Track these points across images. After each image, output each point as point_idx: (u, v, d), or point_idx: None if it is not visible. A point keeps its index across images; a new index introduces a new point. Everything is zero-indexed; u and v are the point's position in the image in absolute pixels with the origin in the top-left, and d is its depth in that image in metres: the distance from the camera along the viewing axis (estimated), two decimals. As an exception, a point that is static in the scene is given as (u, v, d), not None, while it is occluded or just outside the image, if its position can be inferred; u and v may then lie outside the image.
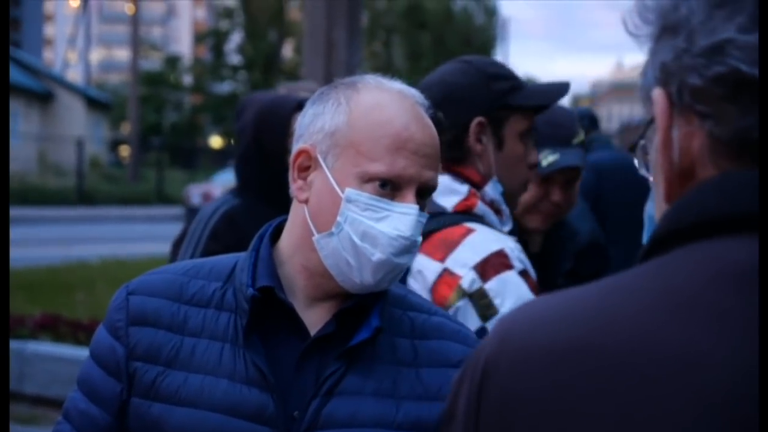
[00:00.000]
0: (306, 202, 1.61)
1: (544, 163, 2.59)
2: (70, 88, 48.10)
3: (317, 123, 1.61)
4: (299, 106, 3.08)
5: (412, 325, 1.65)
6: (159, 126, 51.62)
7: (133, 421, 1.59)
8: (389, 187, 1.57)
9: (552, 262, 2.62)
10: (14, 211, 27.75)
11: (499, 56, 53.63)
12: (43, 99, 45.91)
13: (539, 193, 2.62)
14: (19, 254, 14.17)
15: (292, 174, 1.62)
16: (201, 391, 1.55)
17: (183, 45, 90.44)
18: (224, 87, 50.85)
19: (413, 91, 1.66)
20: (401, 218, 1.56)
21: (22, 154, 41.18)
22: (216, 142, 55.23)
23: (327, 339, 1.60)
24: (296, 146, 1.63)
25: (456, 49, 46.26)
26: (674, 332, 0.75)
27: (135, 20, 38.56)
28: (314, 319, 1.62)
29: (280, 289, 1.61)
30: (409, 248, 1.58)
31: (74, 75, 77.02)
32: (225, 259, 1.67)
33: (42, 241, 17.45)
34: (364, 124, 1.58)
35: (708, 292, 0.76)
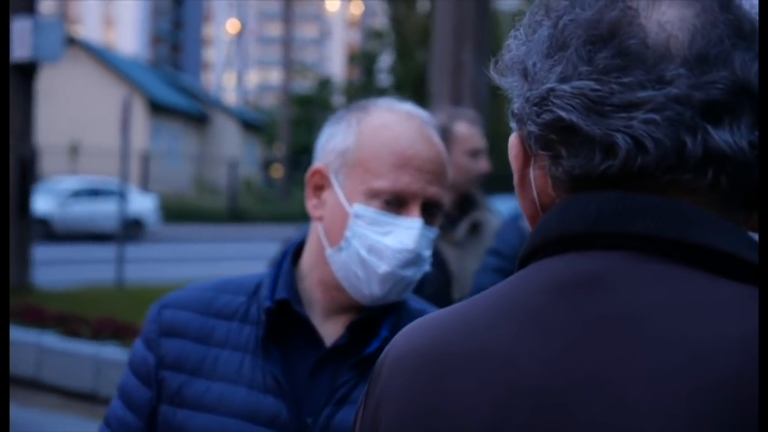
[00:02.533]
0: (321, 219, 1.70)
1: None
2: (225, 110, 49.58)
3: (330, 144, 1.70)
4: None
5: None
6: (310, 146, 52.58)
7: (161, 427, 1.68)
8: (395, 203, 1.64)
9: None
10: (170, 229, 28.73)
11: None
12: (199, 121, 47.44)
13: None
14: (171, 272, 14.63)
15: (308, 192, 1.72)
16: (221, 399, 1.63)
17: (336, 66, 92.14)
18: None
19: (421, 112, 1.73)
20: (406, 232, 1.63)
21: (179, 175, 42.66)
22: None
23: (341, 350, 1.67)
24: (312, 166, 1.72)
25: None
26: (500, 334, 0.87)
27: (287, 43, 39.44)
28: (331, 331, 1.69)
29: (298, 302, 1.69)
30: (414, 261, 1.65)
31: (231, 97, 79.37)
32: (252, 276, 1.76)
33: (193, 259, 18.00)
34: (371, 143, 1.66)
35: (531, 301, 0.87)
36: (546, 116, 0.89)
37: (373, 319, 1.69)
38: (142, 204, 27.11)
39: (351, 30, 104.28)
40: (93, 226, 25.05)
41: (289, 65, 39.18)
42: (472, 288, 3.24)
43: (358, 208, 1.65)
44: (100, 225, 23.91)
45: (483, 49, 7.92)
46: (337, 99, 53.94)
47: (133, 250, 18.54)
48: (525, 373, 0.84)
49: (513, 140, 0.96)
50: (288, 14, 44.99)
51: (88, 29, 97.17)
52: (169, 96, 45.94)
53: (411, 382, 0.91)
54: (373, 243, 1.64)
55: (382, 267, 1.64)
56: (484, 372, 0.86)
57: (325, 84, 54.32)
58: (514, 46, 0.95)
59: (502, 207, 5.46)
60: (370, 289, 1.66)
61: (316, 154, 1.74)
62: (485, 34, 8.05)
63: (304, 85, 58.08)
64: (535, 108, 0.90)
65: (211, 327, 1.69)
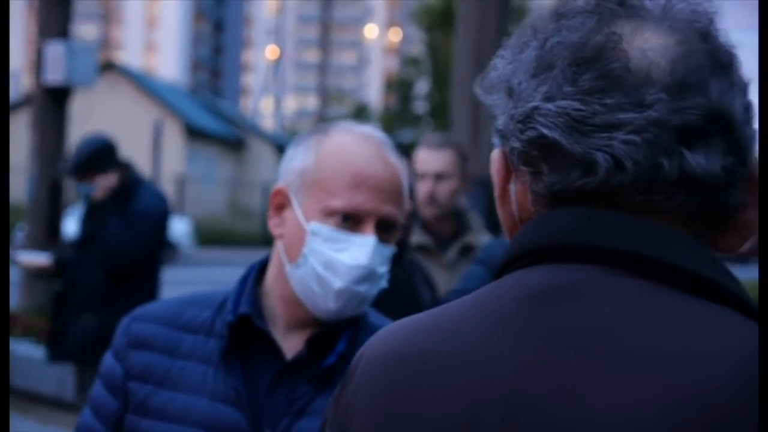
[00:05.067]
0: (281, 237, 1.75)
1: None
2: (262, 135, 49.86)
3: (291, 165, 1.77)
4: None
5: None
6: (346, 172, 52.57)
7: None
8: (350, 221, 1.70)
9: None
10: (204, 253, 28.84)
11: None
12: (236, 146, 47.73)
13: None
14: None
15: (270, 212, 1.78)
16: (184, 409, 1.69)
17: (373, 93, 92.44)
18: (409, 135, 51.55)
19: (379, 134, 1.80)
20: (360, 249, 1.69)
21: (215, 198, 42.90)
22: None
23: (300, 363, 1.72)
24: (274, 186, 1.78)
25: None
26: (474, 339, 0.90)
27: (323, 69, 39.68)
28: (292, 345, 1.74)
29: (260, 317, 1.74)
30: (367, 277, 1.70)
31: (269, 122, 79.74)
32: (221, 291, 1.82)
33: (226, 282, 17.98)
34: (328, 163, 1.72)
35: (505, 308, 0.91)
36: (530, 133, 0.93)
37: (332, 333, 1.74)
38: (177, 227, 27.24)
39: (389, 57, 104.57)
40: (127, 248, 25.23)
41: (325, 91, 39.37)
42: (454, 291, 3.26)
43: (314, 225, 1.70)
44: (134, 248, 24.07)
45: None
46: (374, 126, 53.96)
47: (167, 273, 18.66)
48: (498, 377, 0.88)
49: (495, 155, 1.00)
50: (325, 41, 45.21)
51: (130, 55, 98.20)
52: (206, 121, 46.30)
53: (384, 382, 0.94)
54: (328, 259, 1.69)
55: (337, 283, 1.69)
56: (457, 375, 0.89)
57: (361, 110, 54.48)
58: (500, 66, 0.99)
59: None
60: (326, 304, 1.71)
61: (279, 174, 1.80)
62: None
63: (340, 111, 58.30)
64: (520, 125, 0.94)
65: (178, 339, 1.75)
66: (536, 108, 0.92)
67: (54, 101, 11.19)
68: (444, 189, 3.63)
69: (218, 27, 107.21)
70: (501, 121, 0.97)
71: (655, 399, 0.81)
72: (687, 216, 0.91)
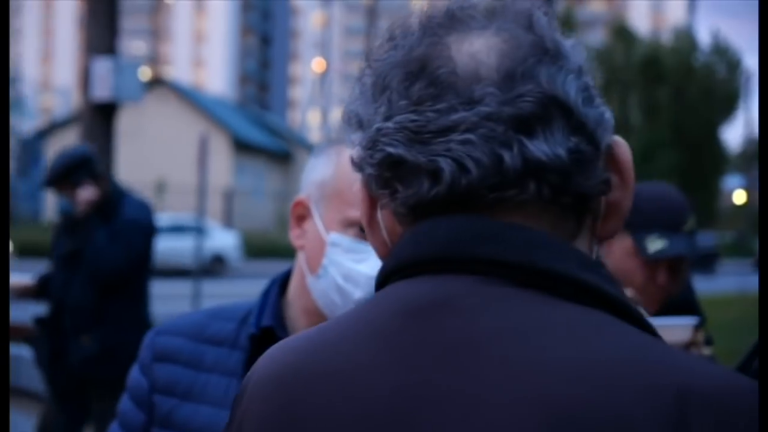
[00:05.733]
0: (302, 248, 1.75)
1: (652, 248, 2.49)
2: (309, 148, 50.02)
3: (311, 176, 1.76)
4: None
5: None
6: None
7: None
8: None
9: None
10: (252, 265, 28.93)
11: (741, 111, 51.56)
12: (283, 159, 47.96)
13: (645, 276, 2.53)
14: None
15: (291, 223, 1.77)
16: (209, 422, 1.69)
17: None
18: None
19: None
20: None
21: (262, 211, 43.14)
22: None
23: None
24: (296, 198, 1.78)
25: (696, 104, 44.93)
26: (353, 356, 0.90)
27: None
28: None
29: (282, 329, 1.74)
30: None
31: (316, 135, 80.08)
32: (245, 303, 1.82)
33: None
34: (347, 174, 1.68)
35: (383, 323, 0.91)
36: (377, 155, 0.93)
37: None
38: (225, 240, 27.51)
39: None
40: (176, 261, 25.48)
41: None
42: None
43: (334, 236, 1.69)
44: (182, 261, 24.29)
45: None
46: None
47: (214, 286, 18.81)
48: (377, 394, 0.87)
49: (358, 186, 1.01)
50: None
51: (178, 70, 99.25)
52: (253, 134, 46.63)
53: (267, 406, 0.93)
54: (348, 270, 1.68)
55: (357, 293, 1.68)
56: (336, 394, 0.89)
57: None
58: (349, 103, 1.00)
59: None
60: None
61: (301, 185, 1.80)
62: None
63: (387, 122, 58.31)
64: (369, 151, 0.95)
65: (202, 353, 1.75)
66: (378, 129, 0.93)
67: (102, 117, 11.31)
68: None
69: (265, 41, 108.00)
70: (354, 153, 0.99)
71: (526, 415, 0.81)
72: (546, 207, 0.91)
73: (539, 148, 0.88)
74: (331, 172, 1.73)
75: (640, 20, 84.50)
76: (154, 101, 38.02)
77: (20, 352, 8.15)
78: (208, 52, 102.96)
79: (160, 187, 38.29)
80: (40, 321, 5.08)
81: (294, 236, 1.77)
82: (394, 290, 0.94)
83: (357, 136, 0.98)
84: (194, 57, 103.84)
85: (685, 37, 47.21)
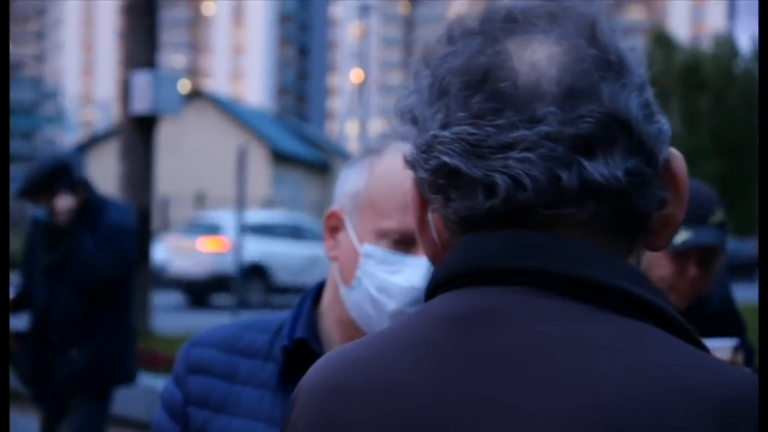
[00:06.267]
0: (336, 259, 1.75)
1: (678, 240, 2.47)
2: (348, 158, 50.08)
3: (345, 187, 1.75)
4: None
5: None
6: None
7: None
8: (403, 243, 1.68)
9: None
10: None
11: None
12: (322, 170, 48.15)
13: (674, 270, 2.51)
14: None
15: (325, 234, 1.77)
16: None
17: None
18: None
19: None
20: (413, 270, 1.67)
21: (301, 222, 43.17)
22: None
23: None
24: (329, 209, 1.77)
25: (737, 111, 44.50)
26: (398, 366, 0.91)
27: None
28: None
29: (316, 341, 1.73)
30: (421, 299, 1.68)
31: (354, 145, 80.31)
32: (279, 315, 1.81)
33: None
34: (381, 184, 1.70)
35: (429, 333, 0.91)
36: (433, 162, 0.93)
37: None
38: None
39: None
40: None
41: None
42: None
43: (367, 247, 1.69)
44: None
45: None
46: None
47: (254, 296, 18.87)
48: (419, 406, 0.87)
49: (410, 186, 1.00)
50: (409, 63, 45.55)
51: (217, 82, 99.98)
52: (291, 145, 46.84)
53: (314, 416, 0.94)
54: (382, 282, 1.68)
55: (391, 305, 1.67)
56: (380, 404, 0.89)
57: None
58: (404, 97, 0.99)
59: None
60: (381, 327, 1.67)
61: (334, 196, 1.79)
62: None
63: (425, 132, 58.31)
64: (423, 155, 0.94)
65: (236, 364, 1.75)
66: (435, 136, 0.92)
67: (141, 130, 11.42)
68: None
69: (303, 52, 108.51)
70: (408, 152, 0.98)
71: (570, 427, 0.81)
72: (601, 226, 0.91)
73: (598, 170, 0.88)
74: (364, 182, 1.72)
75: (679, 27, 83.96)
76: (193, 113, 38.29)
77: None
78: (246, 63, 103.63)
79: (200, 199, 38.55)
80: (21, 336, 4.84)
81: (327, 247, 1.76)
82: (439, 302, 0.94)
83: (410, 132, 0.98)
84: (233, 69, 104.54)
85: (726, 44, 46.85)
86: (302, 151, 47.65)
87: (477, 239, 0.93)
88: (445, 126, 0.92)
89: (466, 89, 0.92)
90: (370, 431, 0.89)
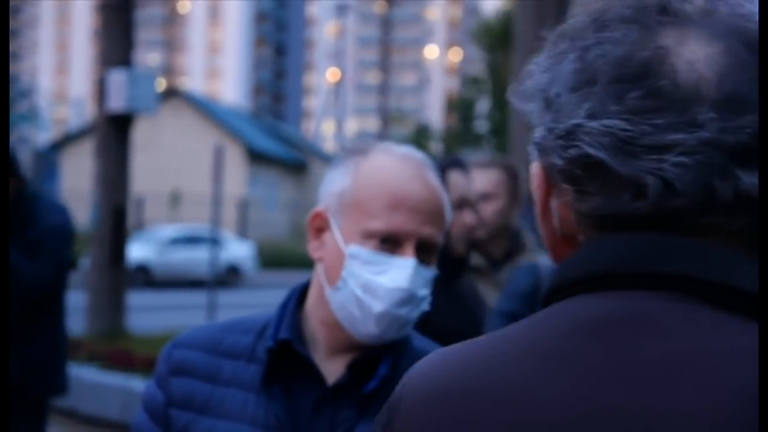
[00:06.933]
0: (321, 260, 1.74)
1: None
2: (324, 158, 50.13)
3: (330, 187, 1.75)
4: (451, 165, 3.18)
5: None
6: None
7: None
8: (389, 243, 1.67)
9: None
10: (267, 276, 28.94)
11: None
12: (297, 169, 48.03)
13: None
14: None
15: (309, 235, 1.76)
16: None
17: (435, 113, 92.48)
18: (470, 154, 51.26)
19: (418, 155, 1.75)
20: (399, 272, 1.66)
21: (277, 221, 43.19)
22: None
23: (342, 388, 1.70)
24: (313, 209, 1.76)
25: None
26: (528, 372, 0.86)
27: (384, 91, 39.97)
28: (333, 369, 1.72)
29: (300, 342, 1.72)
30: (408, 300, 1.67)
31: (330, 145, 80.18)
32: (261, 316, 1.80)
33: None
34: (366, 185, 1.69)
35: (563, 339, 0.86)
36: (572, 151, 0.89)
37: (374, 357, 1.71)
38: (240, 251, 27.55)
39: (449, 77, 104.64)
40: (191, 272, 25.53)
41: (386, 113, 39.58)
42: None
43: (353, 248, 1.68)
44: (197, 271, 24.33)
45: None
46: (435, 146, 54.10)
47: (229, 296, 18.82)
48: (565, 417, 0.83)
49: (535, 170, 0.96)
50: (386, 63, 45.50)
51: (194, 81, 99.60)
52: (267, 144, 46.73)
53: (433, 418, 0.89)
54: (367, 282, 1.66)
55: (377, 306, 1.66)
56: (511, 410, 0.85)
57: (422, 131, 54.48)
58: (536, 74, 0.95)
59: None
60: (366, 328, 1.68)
61: (319, 197, 1.78)
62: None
63: (401, 132, 58.37)
64: (561, 141, 0.90)
65: (219, 366, 1.73)
66: (579, 125, 0.88)
67: (116, 129, 11.34)
68: (489, 209, 3.56)
69: (279, 51, 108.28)
70: (539, 135, 0.93)
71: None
72: (749, 236, 0.88)
73: (751, 181, 0.85)
74: (350, 183, 1.71)
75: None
76: (168, 112, 38.15)
77: (93, 377, 8.14)
78: (222, 62, 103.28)
79: (175, 198, 38.39)
80: None
81: (312, 248, 1.75)
82: (570, 305, 0.89)
83: (537, 113, 0.93)
84: (209, 68, 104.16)
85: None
86: (278, 151, 47.54)
87: (612, 241, 0.89)
88: (592, 117, 0.88)
89: (621, 81, 0.88)
90: None
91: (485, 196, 3.56)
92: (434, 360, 0.94)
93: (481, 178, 3.56)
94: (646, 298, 0.86)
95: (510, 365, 0.87)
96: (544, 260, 2.87)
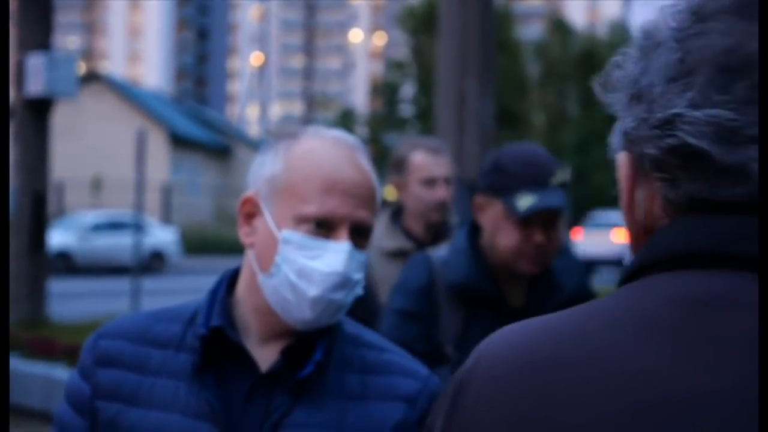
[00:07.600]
0: (252, 245, 1.71)
1: (522, 207, 2.50)
2: (248, 142, 49.79)
3: (260, 172, 1.72)
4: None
5: (363, 361, 1.73)
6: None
7: None
8: (323, 227, 1.65)
9: (533, 316, 2.45)
10: (191, 261, 28.72)
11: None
12: (221, 153, 47.65)
13: (520, 237, 2.54)
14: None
15: (240, 220, 1.73)
16: (157, 426, 1.65)
17: (359, 97, 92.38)
18: (396, 139, 51.44)
19: (350, 138, 1.74)
20: (334, 256, 1.65)
21: (201, 207, 42.83)
22: (391, 193, 55.80)
23: (276, 375, 1.68)
24: (243, 195, 1.73)
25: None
26: (621, 344, 0.85)
27: (308, 75, 39.82)
28: (266, 356, 1.70)
29: (232, 328, 1.70)
30: (343, 284, 1.66)
31: (254, 129, 79.69)
32: (189, 303, 1.77)
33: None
34: (298, 169, 1.67)
35: (658, 313, 0.86)
36: (670, 140, 0.89)
37: (308, 343, 1.70)
38: (164, 236, 27.26)
39: (374, 61, 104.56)
40: (114, 258, 25.20)
41: (311, 97, 39.43)
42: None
43: (286, 233, 1.66)
44: (120, 258, 24.02)
45: (487, 79, 7.94)
46: (360, 130, 54.11)
47: (153, 282, 18.65)
48: (677, 397, 0.82)
49: (623, 160, 0.96)
50: (310, 46, 45.33)
51: (114, 65, 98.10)
52: (190, 129, 46.24)
53: (515, 388, 0.88)
54: (302, 267, 1.65)
55: (312, 291, 1.65)
56: (606, 381, 0.84)
57: (347, 115, 54.46)
58: (627, 65, 0.95)
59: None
60: (301, 314, 1.66)
61: (249, 182, 1.76)
62: (489, 64, 8.08)
63: (326, 116, 58.24)
64: (657, 131, 0.90)
65: (147, 355, 1.70)
66: (679, 115, 0.88)
67: (35, 113, 11.13)
68: (450, 194, 3.63)
69: (202, 35, 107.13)
70: (629, 125, 0.93)
71: None
72: None
73: None
74: (281, 167, 1.69)
75: (576, 14, 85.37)
76: (89, 97, 37.53)
77: (15, 366, 7.98)
78: (143, 46, 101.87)
79: (97, 184, 37.83)
80: None
81: (243, 234, 1.73)
82: (664, 280, 0.89)
83: (623, 103, 0.94)
84: (130, 52, 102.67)
85: (620, 31, 47.79)
86: (201, 135, 47.08)
87: (708, 222, 0.89)
88: (694, 106, 0.88)
89: (725, 72, 0.88)
90: (605, 410, 0.84)
91: (447, 181, 3.63)
92: (510, 332, 0.94)
93: (441, 163, 3.64)
94: (740, 279, 0.86)
95: (598, 333, 0.87)
96: (436, 252, 2.81)
